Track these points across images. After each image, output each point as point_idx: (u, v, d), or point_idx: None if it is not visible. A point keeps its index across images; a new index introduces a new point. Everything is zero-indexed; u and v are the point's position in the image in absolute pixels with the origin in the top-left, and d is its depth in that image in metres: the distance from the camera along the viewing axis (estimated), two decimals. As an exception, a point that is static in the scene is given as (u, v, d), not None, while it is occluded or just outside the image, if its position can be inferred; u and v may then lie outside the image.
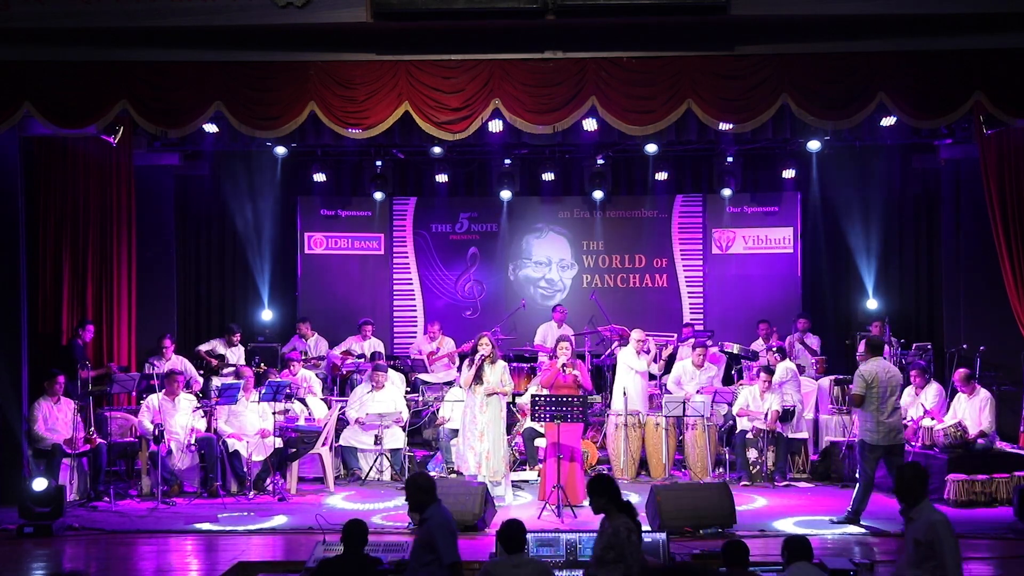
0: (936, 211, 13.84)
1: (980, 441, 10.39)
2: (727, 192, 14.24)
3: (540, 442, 11.14)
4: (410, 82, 9.77)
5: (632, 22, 9.51)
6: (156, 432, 10.35)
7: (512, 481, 10.60)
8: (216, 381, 12.14)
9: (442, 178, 14.19)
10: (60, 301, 11.39)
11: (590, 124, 10.80)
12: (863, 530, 9.04)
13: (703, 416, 11.24)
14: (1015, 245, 10.35)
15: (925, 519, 5.58)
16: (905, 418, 10.31)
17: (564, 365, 10.25)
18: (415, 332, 14.67)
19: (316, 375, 12.64)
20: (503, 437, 10.31)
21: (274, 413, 10.90)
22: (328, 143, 12.23)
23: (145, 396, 11.06)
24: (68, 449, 10.28)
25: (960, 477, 10.11)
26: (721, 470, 11.40)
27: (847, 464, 11.10)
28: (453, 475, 10.79)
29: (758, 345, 13.03)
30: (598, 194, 14.30)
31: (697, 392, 11.77)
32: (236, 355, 13.02)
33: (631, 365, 11.72)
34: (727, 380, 12.91)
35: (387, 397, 11.62)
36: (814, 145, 13.21)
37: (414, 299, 14.89)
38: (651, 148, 13.38)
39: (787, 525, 9.26)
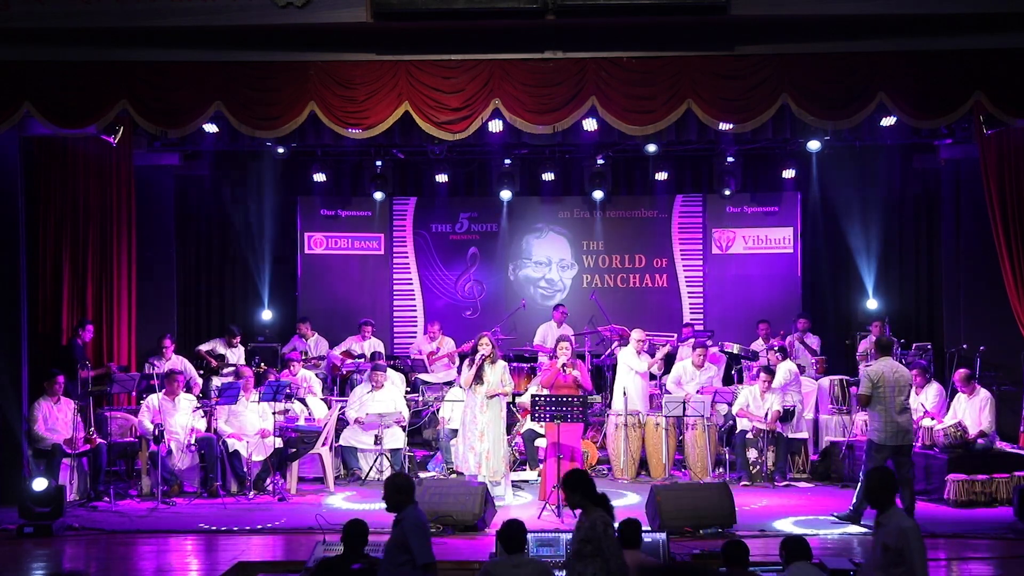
0: (936, 211, 13.84)
1: (980, 441, 10.39)
2: (727, 192, 14.23)
3: (540, 442, 11.14)
4: (410, 82, 9.77)
5: (632, 22, 9.51)
6: (156, 432, 10.35)
7: (512, 481, 10.60)
8: (216, 381, 12.15)
9: (442, 178, 14.19)
10: (60, 301, 11.38)
11: (590, 124, 10.80)
12: (864, 529, 9.02)
13: (703, 416, 11.24)
14: (1015, 245, 10.35)
15: (896, 525, 5.59)
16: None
17: (564, 365, 10.26)
18: (415, 332, 14.67)
19: (316, 375, 12.64)
20: (503, 437, 10.31)
21: (274, 413, 10.91)
22: (328, 143, 12.23)
23: (145, 396, 11.06)
24: (68, 449, 10.28)
25: (960, 477, 10.11)
26: (721, 470, 11.40)
27: (847, 464, 11.10)
28: (453, 475, 10.80)
29: (758, 345, 13.03)
30: (598, 194, 14.30)
31: (697, 392, 11.77)
32: (236, 355, 13.03)
33: (631, 365, 11.73)
34: (727, 380, 12.91)
35: (387, 397, 11.61)
36: (814, 145, 13.20)
37: (414, 299, 14.89)
38: (651, 148, 13.38)
39: (787, 525, 9.27)
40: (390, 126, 10.02)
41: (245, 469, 10.73)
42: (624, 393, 11.55)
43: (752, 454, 11.26)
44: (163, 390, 10.96)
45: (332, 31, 9.50)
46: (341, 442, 11.52)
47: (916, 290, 14.31)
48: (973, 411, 10.51)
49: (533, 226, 14.89)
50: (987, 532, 9.08)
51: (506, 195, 14.38)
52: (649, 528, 8.41)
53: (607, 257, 14.78)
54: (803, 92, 9.74)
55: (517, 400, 11.95)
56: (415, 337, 14.46)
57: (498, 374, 10.20)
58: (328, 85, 9.79)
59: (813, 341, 13.35)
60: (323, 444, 10.88)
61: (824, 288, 14.54)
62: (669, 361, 12.44)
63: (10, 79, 9.62)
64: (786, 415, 11.38)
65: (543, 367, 11.80)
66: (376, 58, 9.77)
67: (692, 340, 12.81)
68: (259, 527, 9.33)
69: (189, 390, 11.52)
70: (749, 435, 11.27)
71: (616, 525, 6.24)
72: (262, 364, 12.41)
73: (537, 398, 10.00)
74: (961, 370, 10.84)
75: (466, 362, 10.59)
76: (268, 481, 10.64)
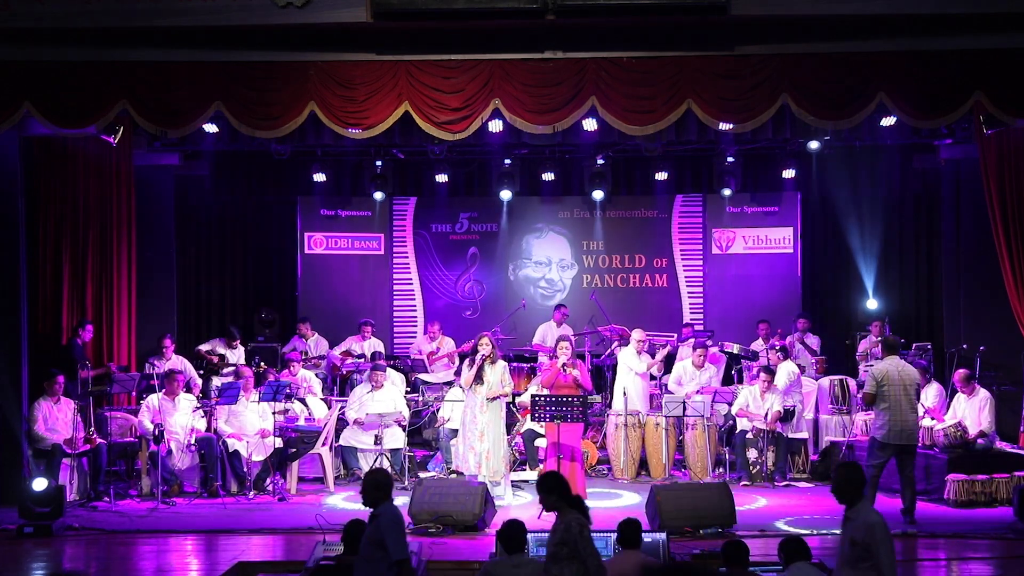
0: (936, 211, 13.84)
1: (980, 441, 10.39)
2: (727, 192, 14.23)
3: (540, 442, 11.14)
4: (410, 82, 9.76)
5: (632, 22, 9.51)
6: (156, 432, 10.35)
7: (512, 481, 10.59)
8: (216, 381, 12.15)
9: (442, 178, 14.19)
10: (60, 301, 11.38)
11: (590, 124, 10.79)
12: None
13: (703, 416, 11.24)
14: (1015, 245, 10.35)
15: (863, 520, 5.56)
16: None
17: (564, 365, 10.25)
18: (415, 332, 14.67)
19: (316, 375, 12.64)
20: (503, 437, 10.31)
21: (274, 413, 10.91)
22: (328, 143, 12.22)
23: (145, 396, 11.06)
24: (68, 449, 10.28)
25: (960, 477, 10.11)
26: (721, 470, 11.40)
27: (847, 464, 11.10)
28: (453, 475, 10.79)
29: (758, 345, 13.03)
30: (598, 194, 14.29)
31: (697, 392, 11.77)
32: (236, 355, 13.02)
33: (631, 366, 11.73)
34: (727, 380, 12.92)
35: (386, 397, 11.61)
36: (814, 145, 13.20)
37: (414, 299, 14.88)
38: (651, 148, 13.37)
39: (787, 525, 9.26)
40: (390, 126, 10.02)
41: (245, 469, 10.73)
42: (624, 393, 11.55)
43: (752, 454, 11.26)
44: (163, 390, 10.96)
45: (332, 31, 9.50)
46: (341, 442, 11.52)
47: (916, 290, 14.31)
48: (973, 411, 10.51)
49: (533, 226, 14.89)
50: (987, 532, 9.07)
51: (506, 195, 14.37)
52: (649, 528, 8.42)
53: (607, 257, 14.78)
54: (803, 92, 9.73)
55: (517, 400, 11.95)
56: (415, 337, 14.46)
57: (498, 374, 10.20)
58: (328, 85, 9.78)
59: (813, 341, 13.35)
60: (323, 444, 10.88)
61: (824, 288, 14.55)
62: (669, 361, 12.44)
63: (10, 79, 9.61)
64: (786, 415, 11.38)
65: (543, 367, 11.80)
66: (376, 58, 9.76)
67: (692, 340, 12.82)
68: (259, 527, 9.34)
69: (189, 390, 11.52)
70: (749, 435, 11.27)
71: (591, 524, 6.24)
72: (262, 364, 12.41)
73: (537, 398, 10.00)
74: (961, 370, 10.84)
75: (466, 362, 10.59)
76: (268, 481, 10.64)
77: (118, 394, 11.53)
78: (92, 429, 10.73)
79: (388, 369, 12.29)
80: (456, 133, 9.97)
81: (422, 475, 11.26)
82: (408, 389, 12.87)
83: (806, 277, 14.50)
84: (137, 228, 11.87)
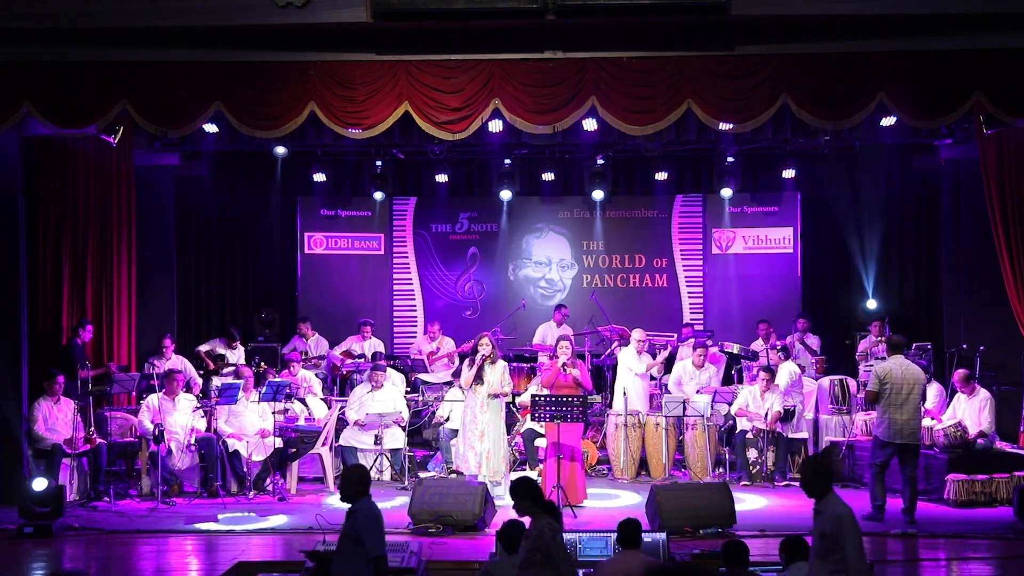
0: (936, 211, 13.83)
1: (980, 441, 10.39)
2: (727, 192, 14.22)
3: (540, 442, 11.14)
4: (410, 82, 9.76)
5: (632, 22, 9.50)
6: (156, 432, 10.35)
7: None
8: (216, 381, 12.14)
9: (442, 178, 14.19)
10: (60, 301, 11.38)
11: (590, 124, 10.79)
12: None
13: (703, 416, 11.24)
14: (1015, 245, 10.35)
15: (832, 512, 5.58)
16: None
17: (564, 365, 10.26)
18: (415, 332, 14.67)
19: (316, 375, 12.64)
20: (503, 437, 10.32)
21: (274, 413, 10.91)
22: (328, 143, 12.22)
23: (145, 396, 11.07)
24: (68, 449, 10.29)
25: (960, 477, 10.11)
26: (721, 470, 11.40)
27: (847, 464, 11.11)
28: (453, 475, 10.80)
29: (758, 345, 13.02)
30: (598, 194, 14.28)
31: (697, 392, 11.77)
32: (236, 356, 13.03)
33: (631, 366, 11.73)
34: (727, 380, 12.92)
35: (386, 397, 11.61)
36: (814, 145, 13.19)
37: (414, 299, 14.88)
38: (651, 148, 13.37)
39: (787, 525, 9.24)
40: (390, 126, 10.02)
41: (245, 469, 10.73)
42: (624, 393, 11.55)
43: (752, 454, 11.26)
44: (163, 390, 10.96)
45: (332, 31, 9.50)
46: (341, 442, 11.51)
47: (916, 290, 14.31)
48: (973, 411, 10.52)
49: (533, 226, 14.88)
50: (987, 532, 9.07)
51: (506, 195, 14.37)
52: (649, 528, 8.42)
53: (607, 257, 14.77)
54: (803, 92, 9.73)
55: (517, 400, 11.95)
56: (415, 337, 14.46)
57: (498, 374, 10.20)
58: (328, 85, 9.78)
59: (813, 341, 13.35)
60: (323, 444, 10.88)
61: (824, 288, 14.54)
62: (669, 361, 12.44)
63: (10, 79, 9.61)
64: (786, 415, 11.38)
65: (543, 367, 11.80)
66: (376, 58, 9.76)
67: (692, 340, 12.82)
68: (259, 527, 9.34)
69: (189, 390, 11.53)
70: (749, 435, 11.27)
71: (563, 529, 6.28)
72: (262, 364, 12.41)
73: (537, 398, 10.00)
74: (961, 370, 10.85)
75: (466, 362, 10.59)
76: (268, 481, 10.65)
77: (118, 394, 11.53)
78: (92, 429, 10.73)
79: (388, 369, 12.29)
80: (456, 133, 9.96)
81: (422, 475, 11.27)
82: (408, 389, 12.87)
83: (806, 277, 14.49)
84: (137, 228, 11.88)
